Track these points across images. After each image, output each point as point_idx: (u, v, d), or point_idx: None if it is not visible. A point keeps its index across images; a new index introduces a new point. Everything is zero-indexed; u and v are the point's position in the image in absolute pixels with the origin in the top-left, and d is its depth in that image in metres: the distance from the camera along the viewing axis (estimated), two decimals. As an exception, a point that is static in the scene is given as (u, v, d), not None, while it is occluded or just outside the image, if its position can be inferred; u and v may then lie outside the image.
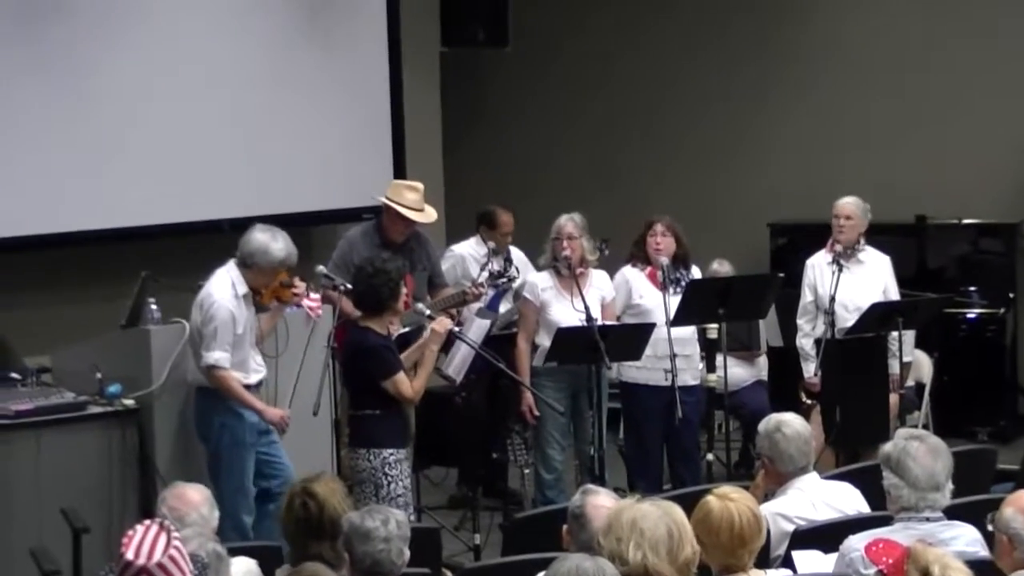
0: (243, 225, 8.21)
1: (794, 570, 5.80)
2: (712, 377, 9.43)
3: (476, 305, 9.24)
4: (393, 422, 7.76)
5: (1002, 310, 11.55)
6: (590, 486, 5.55)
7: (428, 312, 8.19)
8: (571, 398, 8.94)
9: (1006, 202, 11.73)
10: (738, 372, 10.10)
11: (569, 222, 9.00)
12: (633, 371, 9.05)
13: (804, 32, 12.62)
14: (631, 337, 8.82)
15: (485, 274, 9.32)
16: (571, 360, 8.72)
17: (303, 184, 11.13)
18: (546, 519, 6.58)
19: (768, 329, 10.67)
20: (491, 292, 9.34)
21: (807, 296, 9.66)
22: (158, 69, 10.45)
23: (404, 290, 7.82)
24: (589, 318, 8.59)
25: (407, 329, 8.35)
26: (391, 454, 7.68)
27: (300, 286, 8.17)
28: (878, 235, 9.88)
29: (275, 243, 7.90)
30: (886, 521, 5.78)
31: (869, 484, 6.30)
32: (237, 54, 10.92)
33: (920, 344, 10.14)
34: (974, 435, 11.08)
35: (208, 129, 10.70)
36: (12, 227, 9.79)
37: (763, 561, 5.80)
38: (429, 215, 9.22)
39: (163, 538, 3.90)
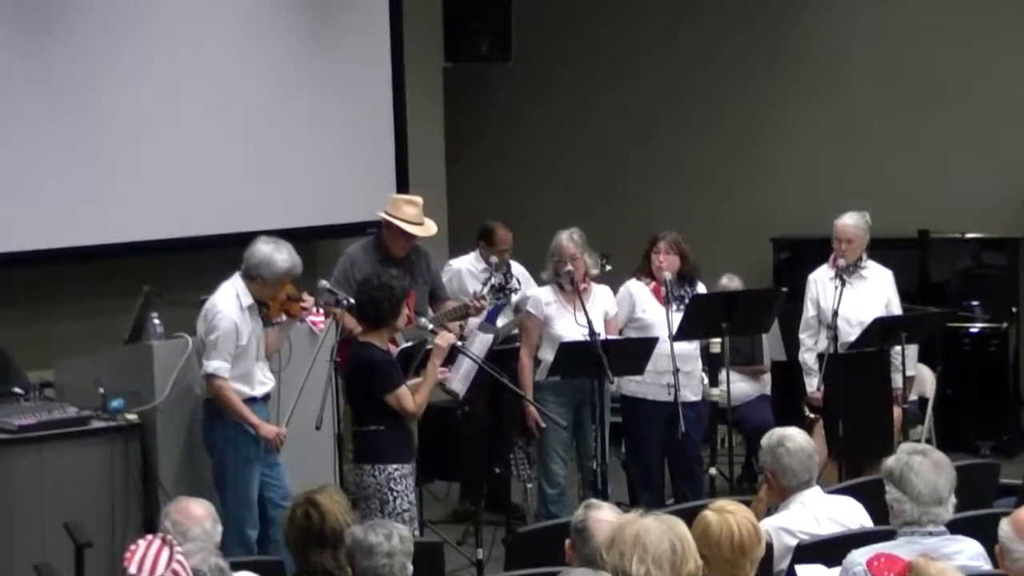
0: (247, 240, 8.22)
1: (797, 584, 5.80)
2: (715, 391, 9.43)
3: (475, 320, 9.24)
4: (397, 437, 7.76)
5: (1005, 324, 11.55)
6: (593, 500, 5.55)
7: (431, 327, 8.20)
8: (574, 412, 8.94)
9: (1009, 216, 11.73)
10: (741, 386, 10.10)
11: (570, 243, 8.98)
12: (633, 385, 9.06)
13: (807, 48, 12.63)
14: (634, 351, 8.82)
15: (487, 288, 9.32)
16: (574, 374, 8.73)
17: (307, 199, 11.14)
18: (549, 533, 6.57)
19: (771, 343, 10.67)
20: (492, 305, 9.34)
21: (810, 311, 9.66)
22: (162, 85, 10.46)
23: (406, 309, 7.83)
24: (592, 332, 8.59)
25: (410, 344, 8.35)
26: (396, 469, 7.67)
27: (309, 300, 8.19)
28: (881, 249, 9.88)
29: (279, 254, 7.91)
30: (889, 535, 5.78)
31: (872, 498, 6.29)
32: (241, 69, 10.93)
33: (923, 358, 10.14)
34: (977, 449, 11.09)
35: (212, 144, 10.71)
36: (15, 242, 9.80)
37: (766, 575, 5.80)
38: (429, 228, 9.23)
39: (165, 552, 3.90)
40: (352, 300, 8.10)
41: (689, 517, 5.06)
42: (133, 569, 3.87)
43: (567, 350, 8.63)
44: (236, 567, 5.46)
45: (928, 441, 9.85)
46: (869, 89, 12.30)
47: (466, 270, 10.10)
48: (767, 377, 10.61)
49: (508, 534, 8.55)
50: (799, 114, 12.62)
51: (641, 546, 4.51)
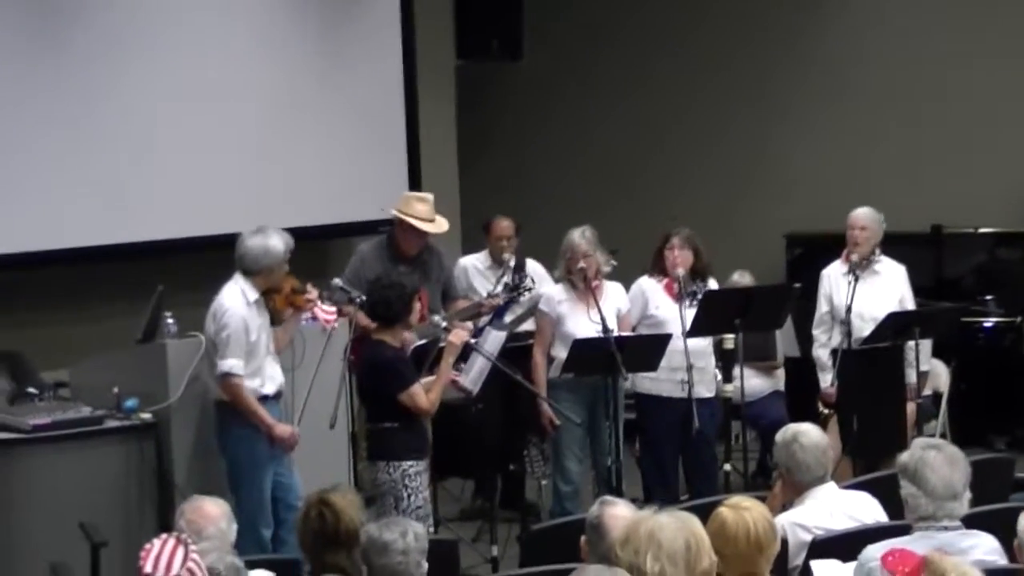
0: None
1: (812, 580, 5.80)
2: (729, 388, 9.42)
3: (485, 318, 9.25)
4: (411, 434, 7.77)
5: (1019, 319, 11.52)
6: (607, 497, 5.55)
7: (444, 324, 8.20)
8: (588, 409, 8.93)
9: (1022, 211, 11.71)
10: (755, 383, 10.09)
11: (582, 240, 8.95)
12: (648, 383, 9.04)
13: (820, 45, 12.62)
14: (647, 348, 8.81)
15: (500, 286, 9.31)
16: (588, 371, 8.72)
17: (319, 198, 11.15)
18: (564, 530, 6.58)
19: (785, 340, 10.66)
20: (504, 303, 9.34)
21: (823, 307, 9.65)
22: (173, 86, 10.48)
23: (418, 305, 7.83)
24: (606, 329, 8.59)
25: (423, 341, 8.35)
26: (411, 466, 7.68)
27: (313, 292, 8.20)
28: (894, 245, 9.86)
29: (271, 240, 7.98)
30: (904, 530, 5.77)
31: (887, 494, 6.28)
32: (252, 69, 10.95)
33: (937, 353, 10.12)
34: (992, 444, 11.06)
35: (224, 144, 10.73)
36: (29, 243, 9.82)
37: (781, 571, 5.80)
38: (440, 225, 9.24)
39: (180, 551, 3.91)
40: (364, 298, 8.10)
41: (704, 514, 5.06)
42: (148, 568, 3.87)
43: (581, 347, 8.62)
44: (251, 566, 5.47)
45: (943, 436, 9.85)
46: (881, 86, 12.29)
47: (472, 267, 10.11)
48: (781, 373, 10.60)
49: (523, 531, 8.55)
50: (812, 111, 12.61)
51: (656, 543, 4.51)
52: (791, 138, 12.69)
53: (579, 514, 7.01)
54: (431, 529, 7.87)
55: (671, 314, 8.97)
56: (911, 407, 9.41)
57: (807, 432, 6.48)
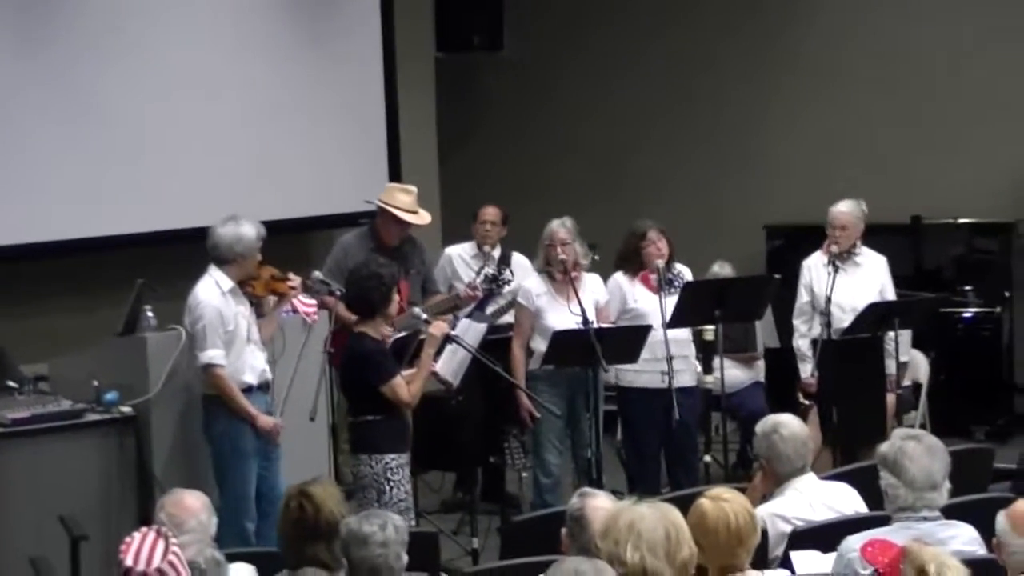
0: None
1: (792, 571, 5.80)
2: (709, 379, 9.43)
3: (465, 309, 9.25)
4: (393, 427, 7.75)
5: (998, 309, 11.56)
6: (587, 489, 5.56)
7: (425, 316, 8.20)
8: (568, 402, 8.93)
9: (1002, 201, 11.75)
10: (735, 374, 10.09)
11: (561, 228, 8.98)
12: (631, 375, 9.04)
13: (802, 37, 12.63)
14: (628, 339, 8.82)
15: (480, 277, 9.31)
16: (568, 363, 8.72)
17: (299, 190, 11.13)
18: (544, 522, 6.58)
19: (765, 331, 10.68)
20: (484, 295, 9.34)
21: (803, 297, 9.66)
22: (155, 79, 10.44)
23: (396, 296, 7.82)
24: (586, 321, 8.59)
25: (403, 333, 8.35)
26: (393, 459, 7.67)
27: (296, 279, 8.20)
28: (874, 235, 9.88)
29: (242, 227, 8.01)
30: (884, 521, 5.79)
31: (866, 484, 6.30)
32: (233, 62, 10.92)
33: (916, 344, 10.14)
34: (971, 434, 11.10)
35: (204, 136, 10.70)
36: (8, 235, 9.78)
37: (761, 561, 5.81)
38: (423, 217, 9.24)
39: (161, 544, 3.91)
40: (344, 290, 8.09)
41: (685, 505, 5.07)
42: (129, 561, 3.87)
43: (561, 339, 8.62)
44: (232, 559, 5.46)
45: (922, 427, 9.87)
46: (863, 77, 12.30)
47: (458, 256, 10.12)
48: (761, 364, 10.61)
49: (503, 523, 8.57)
50: (792, 102, 12.62)
51: (635, 533, 4.52)
52: (771, 130, 12.69)
53: (559, 506, 7.02)
54: (413, 522, 7.86)
55: (651, 306, 8.97)
56: (891, 398, 9.43)
57: (787, 423, 6.50)
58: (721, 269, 10.60)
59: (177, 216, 10.42)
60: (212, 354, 7.84)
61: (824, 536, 5.98)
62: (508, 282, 9.27)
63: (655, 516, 4.57)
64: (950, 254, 12.00)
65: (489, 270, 9.38)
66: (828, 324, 9.27)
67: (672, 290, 9.02)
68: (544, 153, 13.43)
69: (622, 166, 13.15)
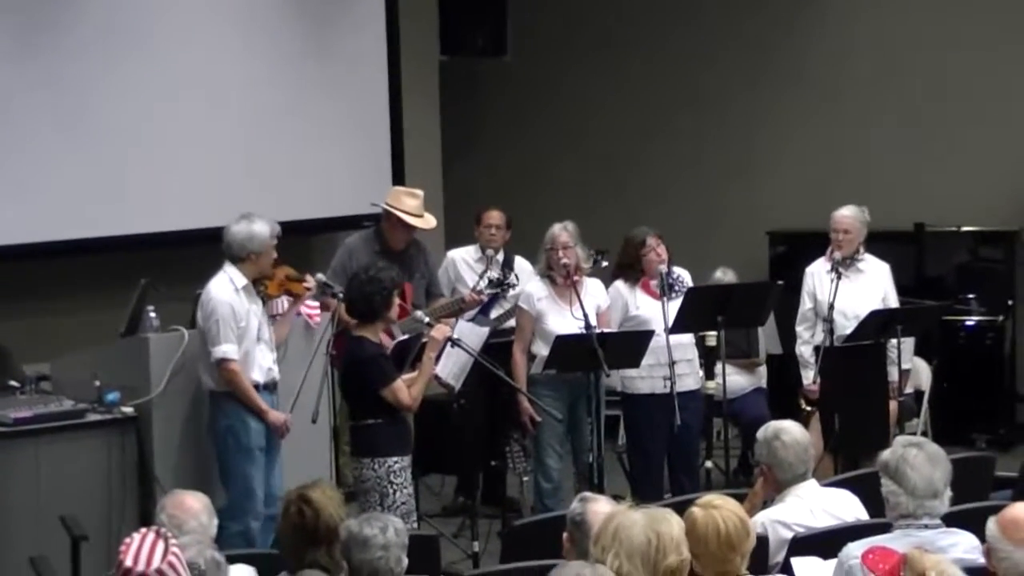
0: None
1: (793, 577, 5.80)
2: (711, 384, 9.43)
3: (469, 313, 9.24)
4: (395, 430, 7.75)
5: (1001, 318, 11.56)
6: (587, 494, 5.55)
7: (427, 319, 8.20)
8: (569, 406, 8.93)
9: (1005, 210, 11.74)
10: (737, 380, 10.09)
11: (563, 231, 8.98)
12: (637, 381, 9.02)
13: (807, 43, 12.63)
14: (630, 344, 8.81)
15: (484, 281, 9.31)
16: (570, 368, 8.71)
17: (303, 192, 11.14)
18: (545, 527, 6.58)
19: (767, 337, 10.67)
20: (488, 299, 9.33)
21: (806, 303, 9.67)
22: (160, 81, 10.46)
23: (397, 300, 7.82)
24: (588, 326, 8.58)
25: (405, 336, 8.35)
26: (395, 462, 7.67)
27: (311, 280, 8.23)
28: (877, 243, 9.88)
29: (255, 225, 8.03)
30: (885, 528, 5.78)
31: (868, 491, 6.29)
32: (237, 64, 10.93)
33: (919, 351, 10.14)
34: (973, 442, 11.08)
35: (208, 138, 10.71)
36: (11, 236, 9.79)
37: (761, 568, 5.81)
38: (429, 221, 9.24)
39: (161, 545, 3.90)
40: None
41: (685, 510, 5.07)
42: (129, 562, 3.86)
43: (563, 343, 8.61)
44: (233, 560, 5.46)
45: (924, 434, 9.85)
46: (866, 84, 12.30)
47: (461, 259, 10.11)
48: (763, 370, 10.61)
49: (504, 527, 8.56)
50: (796, 108, 12.62)
51: (619, 540, 4.51)
52: (775, 136, 12.70)
53: (560, 510, 7.02)
54: (414, 525, 7.86)
55: (653, 312, 8.97)
56: (893, 405, 9.43)
57: (789, 429, 6.49)
58: (723, 275, 10.60)
59: (179, 217, 10.44)
60: (226, 348, 7.85)
61: (825, 543, 5.97)
62: (513, 286, 9.27)
63: (642, 523, 4.55)
64: (953, 262, 11.99)
65: (494, 274, 9.38)
66: (831, 331, 9.27)
67: (674, 295, 9.01)
68: (546, 157, 13.43)
69: (625, 171, 13.15)
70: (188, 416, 8.13)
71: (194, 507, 5.78)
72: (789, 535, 6.21)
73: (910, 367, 9.82)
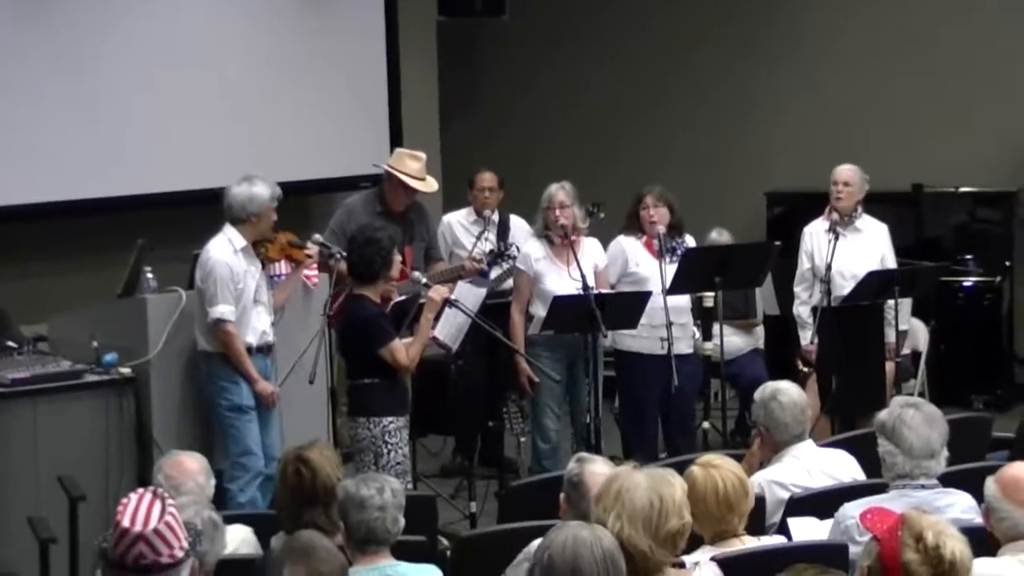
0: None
1: (789, 537, 5.81)
2: (708, 346, 9.43)
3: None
4: (392, 390, 7.75)
5: (999, 279, 11.55)
6: (584, 454, 5.55)
7: (425, 280, 8.19)
8: (567, 367, 8.92)
9: (1003, 171, 11.72)
10: (734, 341, 10.10)
11: (560, 191, 8.96)
12: (629, 340, 9.03)
13: (805, 5, 12.59)
14: (628, 305, 8.80)
15: (485, 250, 9.29)
16: (567, 328, 8.70)
17: (301, 154, 11.12)
18: (542, 487, 6.60)
19: (765, 298, 10.67)
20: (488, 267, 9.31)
21: (804, 264, 9.67)
22: (157, 41, 10.45)
23: (398, 258, 7.81)
24: (586, 287, 8.58)
25: (403, 297, 8.34)
26: (391, 422, 7.68)
27: (313, 248, 8.23)
28: (875, 204, 9.88)
29: (256, 187, 8.02)
30: (881, 489, 5.79)
31: (865, 452, 6.30)
32: (234, 25, 10.91)
33: (917, 312, 10.15)
34: (970, 403, 11.10)
35: (206, 99, 10.70)
36: (10, 197, 9.78)
37: (758, 528, 5.82)
38: (431, 185, 9.21)
39: (158, 505, 3.89)
40: (344, 253, 8.09)
41: (682, 471, 5.07)
42: (126, 522, 3.86)
43: (561, 304, 8.61)
44: (230, 520, 5.47)
45: (921, 395, 9.86)
46: (863, 46, 12.27)
47: (457, 222, 10.09)
48: (760, 331, 10.61)
49: (501, 488, 8.57)
50: (794, 69, 12.59)
51: (621, 502, 4.50)
52: (773, 97, 12.67)
53: (557, 471, 7.03)
54: (410, 485, 7.87)
55: (651, 271, 8.96)
56: (890, 366, 9.44)
57: (786, 390, 6.50)
58: (719, 236, 10.59)
59: (177, 178, 10.43)
60: (223, 309, 7.86)
61: (821, 503, 5.99)
62: (514, 257, 9.22)
63: (645, 485, 4.53)
64: (951, 223, 11.98)
65: (492, 237, 9.35)
66: (828, 291, 9.26)
67: (674, 258, 9.00)
68: (545, 119, 13.40)
69: (623, 132, 13.13)
70: (185, 377, 8.13)
71: (191, 468, 5.79)
72: (786, 495, 6.22)
73: (907, 328, 9.83)
